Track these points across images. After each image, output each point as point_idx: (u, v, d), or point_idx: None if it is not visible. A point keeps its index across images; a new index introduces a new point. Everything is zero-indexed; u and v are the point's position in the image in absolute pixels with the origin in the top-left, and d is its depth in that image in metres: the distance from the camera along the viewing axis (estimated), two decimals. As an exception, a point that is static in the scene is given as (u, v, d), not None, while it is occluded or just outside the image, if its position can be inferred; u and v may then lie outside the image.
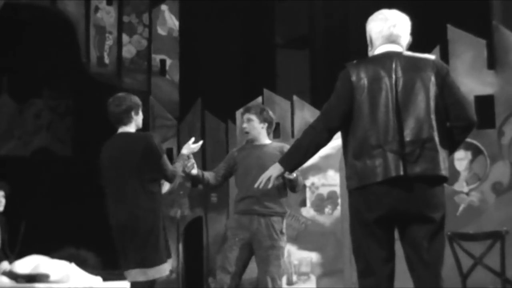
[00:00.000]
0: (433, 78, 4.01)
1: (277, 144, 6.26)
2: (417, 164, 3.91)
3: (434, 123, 3.96)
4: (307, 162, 4.34)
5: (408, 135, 3.93)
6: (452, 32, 8.50)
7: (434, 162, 3.93)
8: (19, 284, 7.17)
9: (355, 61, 4.15)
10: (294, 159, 4.23)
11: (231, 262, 5.91)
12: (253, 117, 6.11)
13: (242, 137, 9.92)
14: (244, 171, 6.05)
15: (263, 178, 4.25)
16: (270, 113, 6.23)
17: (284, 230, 6.07)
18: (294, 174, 5.84)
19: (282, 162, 4.24)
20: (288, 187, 6.08)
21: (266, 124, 6.14)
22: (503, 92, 8.26)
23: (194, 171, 5.90)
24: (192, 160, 5.85)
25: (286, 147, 5.85)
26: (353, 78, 4.04)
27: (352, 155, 4.03)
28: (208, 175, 6.12)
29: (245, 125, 6.13)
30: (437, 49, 8.27)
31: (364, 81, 4.02)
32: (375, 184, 3.92)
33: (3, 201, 7.84)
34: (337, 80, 4.14)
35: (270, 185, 4.25)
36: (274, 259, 5.92)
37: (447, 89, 4.02)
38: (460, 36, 8.48)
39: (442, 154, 3.97)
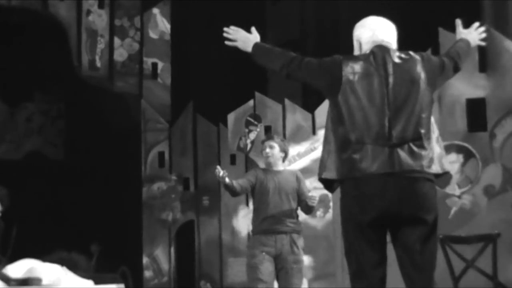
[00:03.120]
0: (423, 75, 4.05)
1: (290, 170, 6.91)
2: (405, 161, 3.92)
3: (423, 121, 3.99)
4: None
5: (396, 132, 3.94)
6: (444, 35, 8.51)
7: (421, 159, 3.95)
8: (11, 288, 7.15)
9: (349, 55, 4.15)
10: (263, 55, 4.33)
11: (264, 273, 6.39)
12: (276, 145, 6.65)
13: (233, 140, 9.96)
14: (264, 193, 6.53)
15: (238, 34, 4.36)
16: (287, 145, 6.80)
17: (303, 246, 6.54)
18: (315, 203, 6.46)
19: (255, 48, 4.32)
20: (303, 209, 6.63)
21: (284, 154, 6.69)
22: (495, 95, 8.28)
23: (227, 180, 6.30)
24: (222, 170, 6.26)
25: (299, 173, 6.74)
26: (345, 69, 4.04)
27: (338, 149, 4.04)
28: (235, 183, 6.49)
29: (268, 150, 6.62)
30: (428, 52, 8.28)
31: (355, 75, 4.02)
32: (366, 184, 3.92)
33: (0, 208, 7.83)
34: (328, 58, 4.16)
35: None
36: (297, 272, 6.44)
37: (438, 66, 4.23)
38: (452, 39, 8.43)
39: (431, 152, 3.99)
